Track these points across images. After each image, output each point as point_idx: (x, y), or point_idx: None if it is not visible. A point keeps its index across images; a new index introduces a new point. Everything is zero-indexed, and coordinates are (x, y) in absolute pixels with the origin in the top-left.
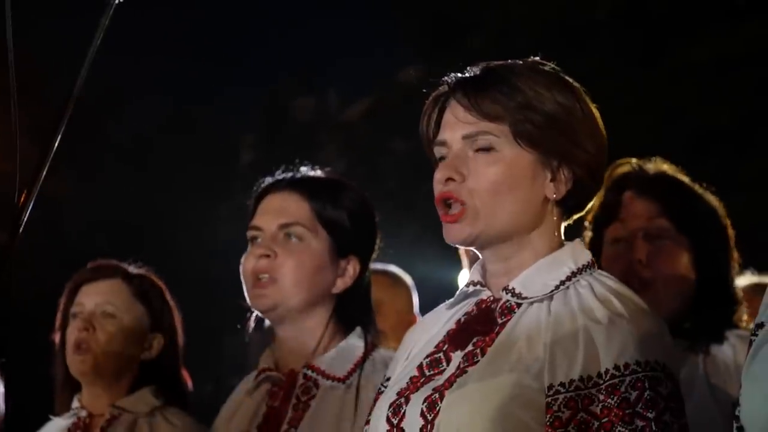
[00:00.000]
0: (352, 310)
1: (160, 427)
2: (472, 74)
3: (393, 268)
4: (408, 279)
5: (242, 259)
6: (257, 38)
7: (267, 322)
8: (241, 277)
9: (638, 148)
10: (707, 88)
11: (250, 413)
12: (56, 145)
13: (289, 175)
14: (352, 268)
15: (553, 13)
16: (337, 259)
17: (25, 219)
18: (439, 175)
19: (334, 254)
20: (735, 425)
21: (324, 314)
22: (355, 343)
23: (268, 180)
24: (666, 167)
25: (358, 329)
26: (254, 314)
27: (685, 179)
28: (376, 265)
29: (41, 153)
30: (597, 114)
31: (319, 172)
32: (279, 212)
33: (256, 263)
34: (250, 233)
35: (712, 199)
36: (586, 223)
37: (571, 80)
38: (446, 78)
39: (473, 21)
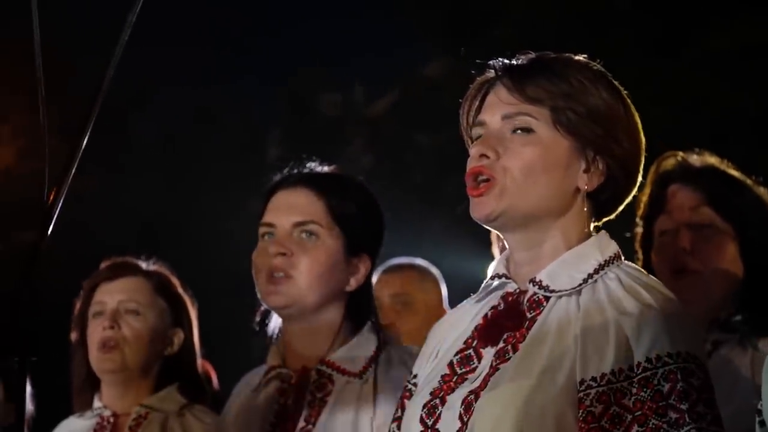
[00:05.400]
0: (363, 307)
1: (192, 425)
2: (520, 61)
3: (420, 261)
4: (436, 271)
5: (253, 256)
6: (282, 33)
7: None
8: (253, 274)
9: (660, 138)
10: (729, 77)
11: (260, 411)
12: (85, 142)
13: (299, 171)
14: (363, 266)
15: (574, 3)
16: (349, 256)
17: (55, 217)
18: (473, 151)
19: (347, 252)
20: (757, 419)
21: (337, 312)
22: (368, 337)
23: (278, 176)
24: (713, 159)
25: (369, 324)
26: (262, 308)
27: (733, 171)
28: (401, 259)
29: (69, 151)
30: (638, 119)
31: (327, 168)
32: (293, 209)
33: (271, 261)
34: (262, 230)
35: (762, 191)
36: (637, 220)
37: (617, 83)
38: (493, 62)
39: (495, 12)
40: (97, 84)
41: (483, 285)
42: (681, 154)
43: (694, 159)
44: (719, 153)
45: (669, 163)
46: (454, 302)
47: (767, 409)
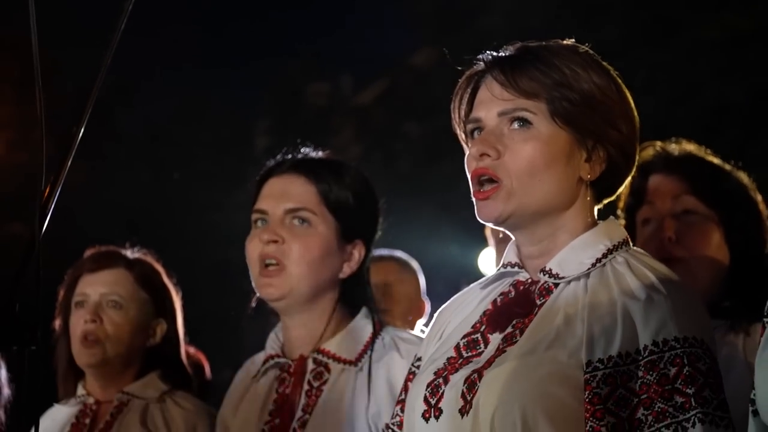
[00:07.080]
0: (357, 293)
1: (172, 412)
2: (508, 53)
3: (399, 253)
4: (414, 263)
5: (246, 243)
6: (269, 23)
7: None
8: (247, 261)
9: (651, 127)
10: (719, 67)
11: (259, 400)
12: (81, 134)
13: (292, 157)
14: (357, 252)
15: None
16: (343, 243)
17: (51, 209)
18: (473, 150)
19: (340, 239)
20: (750, 408)
21: (331, 299)
22: (363, 324)
23: (271, 162)
24: (691, 147)
25: (364, 310)
26: (257, 296)
27: (712, 158)
28: (382, 251)
29: (66, 143)
30: (630, 99)
31: (320, 154)
32: (284, 196)
33: (262, 248)
34: (254, 216)
35: (742, 176)
36: (619, 212)
37: (606, 64)
38: (482, 56)
39: (485, 2)
40: (92, 74)
41: (496, 271)
42: (659, 143)
43: (673, 148)
44: (709, 142)
45: (648, 153)
46: (443, 289)
47: (761, 399)
